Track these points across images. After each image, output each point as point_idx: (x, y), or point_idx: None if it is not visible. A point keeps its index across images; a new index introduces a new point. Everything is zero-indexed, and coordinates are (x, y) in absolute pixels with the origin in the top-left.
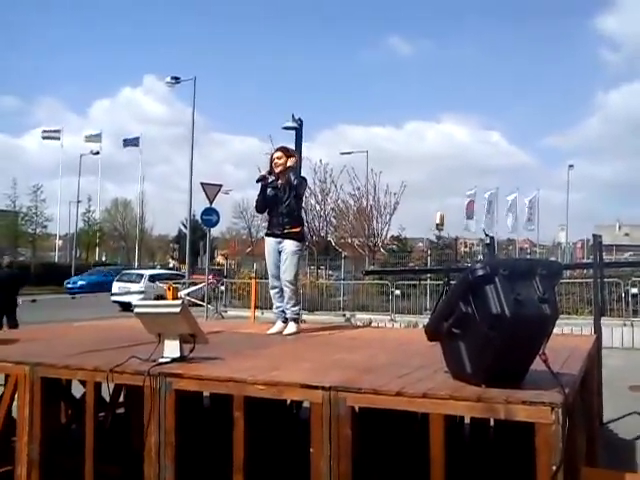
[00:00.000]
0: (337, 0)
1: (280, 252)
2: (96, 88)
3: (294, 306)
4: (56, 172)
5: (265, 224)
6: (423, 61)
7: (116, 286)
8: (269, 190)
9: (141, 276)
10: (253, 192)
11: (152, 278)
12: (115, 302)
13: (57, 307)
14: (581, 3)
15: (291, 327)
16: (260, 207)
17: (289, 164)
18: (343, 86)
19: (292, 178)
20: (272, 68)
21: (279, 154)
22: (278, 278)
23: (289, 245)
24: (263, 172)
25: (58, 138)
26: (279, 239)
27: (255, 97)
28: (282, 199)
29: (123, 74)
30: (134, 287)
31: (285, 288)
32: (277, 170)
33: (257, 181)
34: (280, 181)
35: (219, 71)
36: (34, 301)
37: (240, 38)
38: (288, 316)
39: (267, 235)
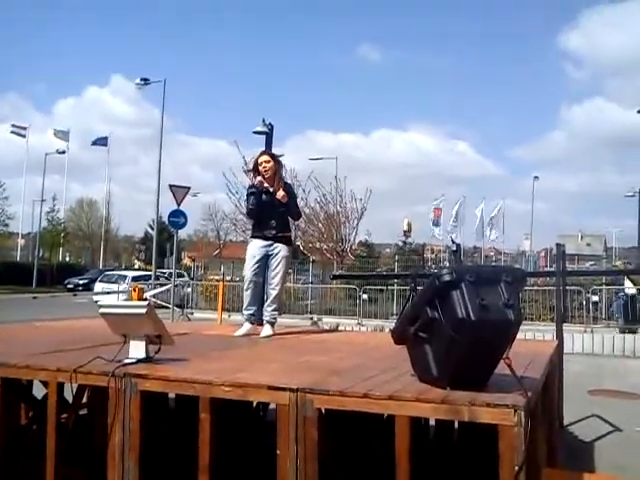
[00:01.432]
0: (307, 7)
1: (268, 256)
2: (61, 87)
3: (275, 310)
4: (18, 170)
5: (232, 227)
6: (392, 69)
7: (99, 286)
8: (263, 195)
9: (124, 277)
10: (222, 195)
11: (135, 279)
12: (96, 302)
13: (18, 307)
14: (546, 20)
15: (267, 329)
16: (255, 212)
17: (277, 168)
18: (312, 92)
19: (284, 184)
20: (241, 72)
21: (267, 158)
22: (257, 281)
23: (282, 249)
24: (258, 179)
25: (24, 135)
26: (270, 242)
27: (223, 100)
28: (275, 204)
29: (89, 73)
30: (117, 288)
31: (272, 291)
32: (266, 175)
33: (250, 189)
34: (267, 185)
35: (188, 73)
36: None
37: (210, 41)
38: (266, 319)
39: (255, 237)
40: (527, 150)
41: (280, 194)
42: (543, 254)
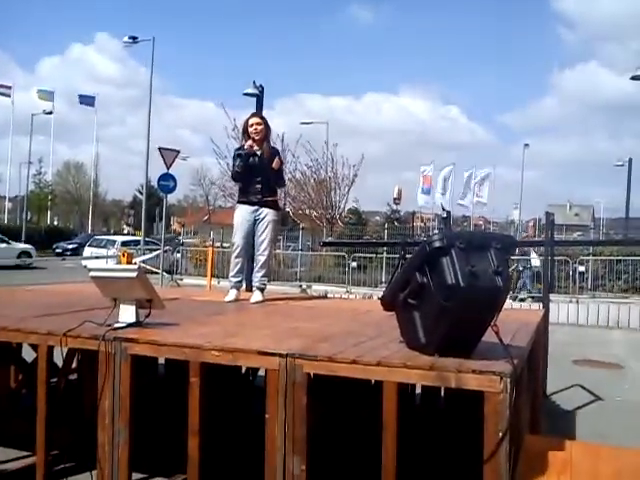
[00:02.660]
0: None
1: (255, 220)
2: (44, 43)
3: (264, 276)
4: (1, 131)
5: (221, 193)
6: (384, 30)
7: (88, 251)
8: (250, 158)
9: (113, 242)
10: (211, 159)
11: (124, 244)
12: (85, 267)
13: (6, 271)
14: None
15: (257, 295)
16: (241, 176)
17: (267, 132)
18: (303, 54)
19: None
20: (230, 33)
21: (257, 120)
22: (245, 248)
23: (269, 214)
24: (249, 142)
25: (9, 95)
26: (256, 207)
27: (212, 61)
28: (261, 168)
29: (73, 30)
30: (106, 253)
31: (260, 257)
32: (257, 137)
33: (238, 151)
34: (257, 148)
35: (175, 33)
36: None
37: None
38: (256, 284)
39: (241, 203)
40: (518, 116)
41: (276, 163)
42: (532, 224)
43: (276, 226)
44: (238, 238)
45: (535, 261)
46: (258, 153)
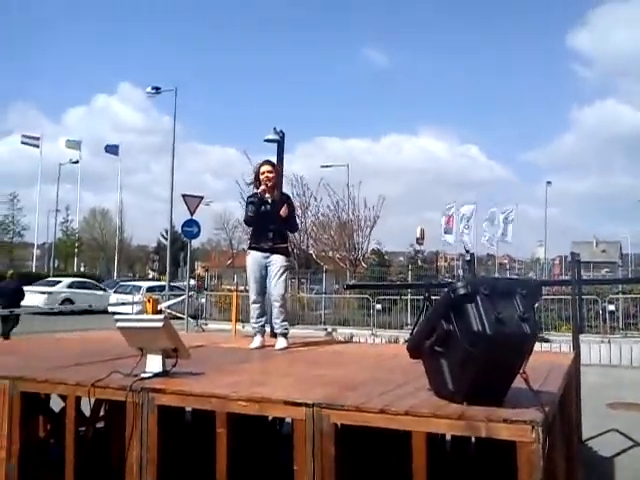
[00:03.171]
0: (312, 12)
1: (266, 267)
2: (70, 95)
3: (283, 321)
4: (30, 180)
5: (245, 237)
6: (400, 73)
7: (114, 297)
8: (262, 206)
9: (138, 288)
10: (234, 203)
11: (149, 289)
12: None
13: (35, 318)
14: (555, 20)
15: (281, 342)
16: (253, 221)
17: (278, 179)
18: (320, 98)
19: (282, 195)
20: (249, 80)
21: (269, 168)
22: (260, 293)
23: (279, 260)
24: (261, 188)
25: (37, 145)
26: (267, 254)
27: (233, 107)
28: (272, 214)
29: (98, 81)
30: (132, 299)
31: (275, 303)
32: (268, 184)
33: (250, 198)
34: (269, 195)
35: (196, 80)
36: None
37: (218, 48)
38: (278, 331)
39: (252, 249)
40: (538, 154)
41: (283, 211)
42: (557, 261)
43: (287, 270)
44: (252, 284)
45: None
46: (269, 200)
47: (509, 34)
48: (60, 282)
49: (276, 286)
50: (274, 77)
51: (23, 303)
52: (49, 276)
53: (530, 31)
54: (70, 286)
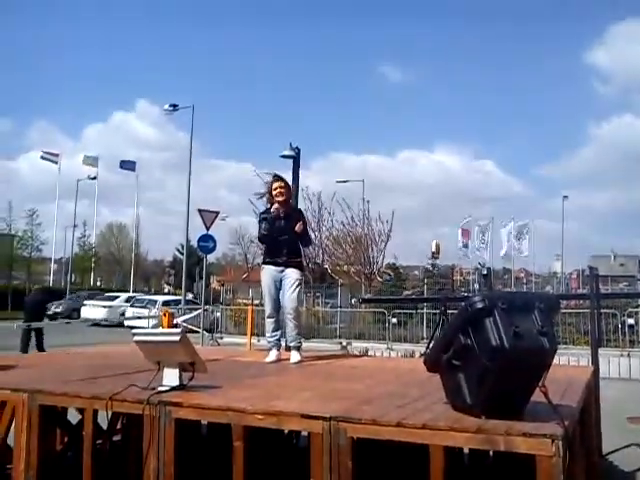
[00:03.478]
0: (328, 28)
1: (281, 280)
2: (89, 112)
3: (297, 334)
4: (48, 195)
5: (260, 251)
6: (414, 89)
7: (130, 311)
8: (276, 222)
9: (154, 302)
10: (249, 218)
11: (165, 304)
12: (128, 327)
13: (52, 332)
14: (573, 35)
15: (295, 356)
16: (267, 238)
17: (289, 194)
18: (335, 114)
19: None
20: (263, 94)
21: (281, 184)
22: (275, 307)
23: (293, 274)
24: (275, 206)
25: (56, 162)
26: (281, 268)
27: (247, 123)
28: (285, 230)
29: (116, 98)
30: (147, 313)
31: (288, 316)
32: (280, 199)
33: (263, 214)
34: (282, 211)
35: (211, 96)
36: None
37: (234, 64)
38: (291, 345)
39: (267, 263)
40: (555, 168)
41: (298, 227)
42: (575, 275)
43: (300, 284)
44: (267, 298)
45: None
46: (282, 216)
47: (526, 49)
48: (118, 297)
49: (290, 300)
50: (290, 93)
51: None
52: (66, 291)
53: (548, 47)
54: (127, 300)
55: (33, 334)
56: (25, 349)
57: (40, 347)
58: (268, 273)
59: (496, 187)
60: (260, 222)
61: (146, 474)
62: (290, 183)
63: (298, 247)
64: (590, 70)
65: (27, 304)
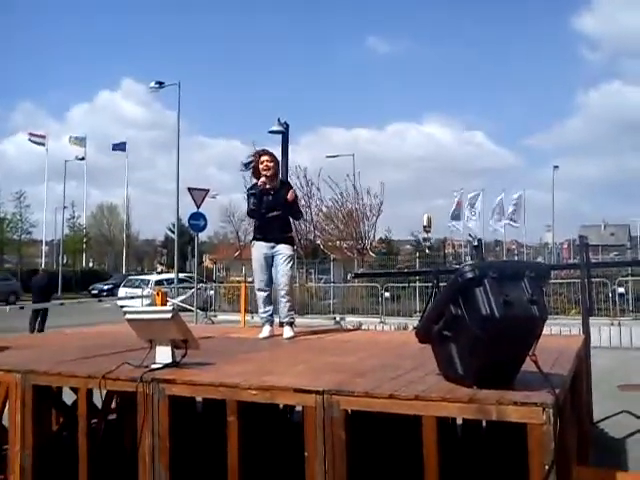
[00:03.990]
0: (313, 1)
1: (273, 256)
2: (74, 92)
3: (290, 310)
4: (36, 178)
5: (252, 229)
6: (402, 61)
7: (122, 291)
8: (264, 197)
9: (147, 281)
10: (239, 195)
11: (158, 283)
12: (122, 307)
13: (65, 313)
14: (559, 3)
15: (288, 331)
16: (256, 213)
17: (277, 168)
18: (323, 88)
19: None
20: (251, 70)
21: (268, 157)
22: (267, 283)
23: (284, 249)
24: (263, 180)
25: (43, 144)
26: (272, 244)
27: (235, 99)
28: (275, 204)
29: (100, 77)
30: (141, 292)
31: (281, 292)
32: (268, 174)
33: (251, 190)
34: (269, 186)
35: (197, 73)
36: (22, 308)
37: (218, 40)
38: (284, 320)
39: (257, 240)
40: (544, 138)
41: (290, 195)
42: (566, 245)
43: (292, 260)
44: (258, 274)
45: None
46: (271, 190)
47: (513, 18)
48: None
49: (282, 276)
50: (277, 67)
51: None
52: (57, 273)
53: (534, 14)
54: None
55: (40, 314)
56: (33, 329)
57: (41, 328)
58: (259, 249)
59: (487, 158)
60: (248, 197)
61: (141, 451)
62: (279, 158)
63: (289, 222)
64: (578, 37)
65: (34, 287)
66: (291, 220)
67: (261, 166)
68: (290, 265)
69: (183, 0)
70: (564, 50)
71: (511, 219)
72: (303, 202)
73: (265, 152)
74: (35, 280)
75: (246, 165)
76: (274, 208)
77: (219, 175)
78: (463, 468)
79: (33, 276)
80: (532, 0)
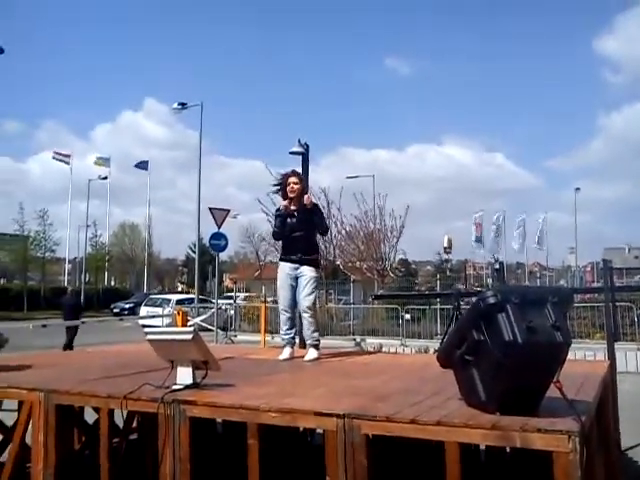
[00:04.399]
0: (332, 22)
1: (297, 278)
2: (97, 112)
3: (314, 332)
4: (60, 196)
5: (272, 249)
6: (422, 82)
7: (144, 310)
8: (288, 219)
9: (168, 301)
10: (259, 216)
11: (179, 302)
12: (143, 326)
13: (88, 331)
14: (582, 25)
15: (312, 353)
16: (280, 235)
17: (303, 189)
18: (343, 109)
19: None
20: (271, 92)
21: (295, 180)
22: (290, 305)
23: (308, 271)
24: (284, 202)
25: (68, 162)
26: (296, 265)
27: (255, 120)
28: (299, 227)
29: (123, 98)
30: (162, 311)
31: (304, 314)
32: (292, 195)
33: (278, 211)
34: (294, 207)
35: (218, 93)
36: (44, 326)
37: (239, 61)
38: (308, 342)
39: (282, 260)
40: (566, 160)
41: (306, 197)
42: (589, 268)
43: (317, 282)
44: (282, 295)
45: None
46: (295, 211)
47: (534, 40)
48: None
49: (306, 297)
50: (298, 89)
51: None
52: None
53: (556, 37)
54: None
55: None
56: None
57: (70, 345)
58: (283, 270)
59: (507, 180)
60: (275, 218)
61: (162, 472)
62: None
63: (314, 243)
64: (600, 60)
65: (65, 306)
66: (318, 239)
67: (287, 188)
68: (313, 287)
69: (206, 22)
70: (586, 72)
71: (537, 242)
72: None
73: (293, 174)
74: (65, 299)
75: (276, 187)
76: (298, 229)
77: (239, 195)
78: None
79: (63, 295)
80: (554, 24)
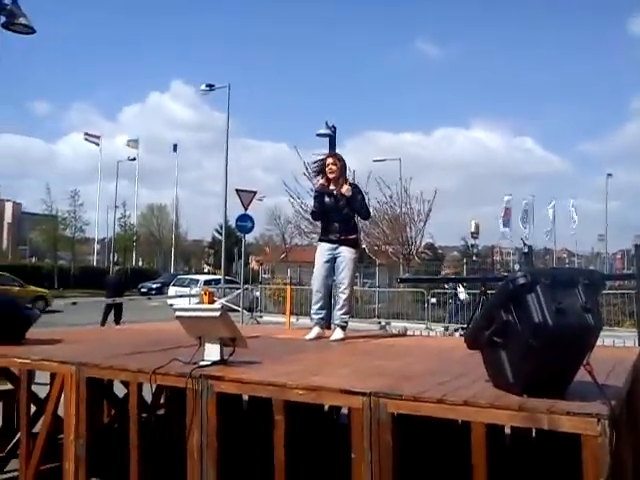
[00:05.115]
0: (364, 4)
1: (335, 258)
2: (126, 94)
3: (345, 313)
4: (89, 177)
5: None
6: (452, 65)
7: (172, 290)
8: (326, 198)
9: (196, 281)
10: (285, 198)
11: (206, 283)
12: (171, 305)
13: (98, 310)
14: (615, 7)
15: (338, 333)
16: (318, 215)
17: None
18: (370, 91)
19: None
20: (298, 73)
21: (333, 160)
22: (325, 285)
23: (347, 252)
24: (321, 181)
25: (98, 144)
26: (335, 245)
27: (282, 102)
28: (337, 207)
29: (151, 79)
30: (189, 291)
31: (341, 294)
32: (331, 176)
33: (317, 191)
34: (332, 188)
35: (245, 75)
36: (74, 304)
37: (269, 44)
38: (337, 322)
39: (321, 241)
40: (597, 145)
41: (344, 188)
42: (619, 256)
43: (355, 263)
44: (318, 275)
45: (462, 295)
46: (334, 193)
47: (566, 23)
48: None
49: (344, 278)
50: (325, 71)
51: None
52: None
53: (589, 19)
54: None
55: (113, 309)
56: (103, 323)
57: (118, 320)
58: (321, 250)
59: (536, 164)
60: (314, 199)
61: (190, 446)
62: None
63: (353, 224)
64: (633, 41)
65: (110, 284)
66: (357, 220)
67: (326, 169)
68: (352, 268)
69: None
70: (619, 55)
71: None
72: None
73: (332, 155)
74: (109, 278)
75: (317, 172)
76: (337, 210)
77: (265, 177)
78: (512, 477)
79: (107, 274)
80: (587, 5)
